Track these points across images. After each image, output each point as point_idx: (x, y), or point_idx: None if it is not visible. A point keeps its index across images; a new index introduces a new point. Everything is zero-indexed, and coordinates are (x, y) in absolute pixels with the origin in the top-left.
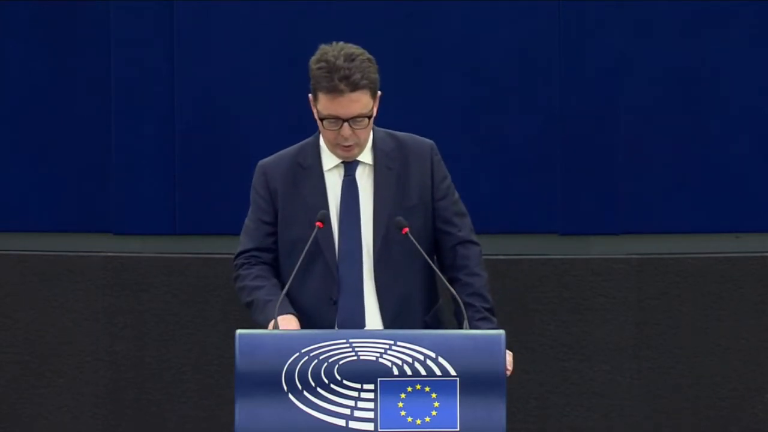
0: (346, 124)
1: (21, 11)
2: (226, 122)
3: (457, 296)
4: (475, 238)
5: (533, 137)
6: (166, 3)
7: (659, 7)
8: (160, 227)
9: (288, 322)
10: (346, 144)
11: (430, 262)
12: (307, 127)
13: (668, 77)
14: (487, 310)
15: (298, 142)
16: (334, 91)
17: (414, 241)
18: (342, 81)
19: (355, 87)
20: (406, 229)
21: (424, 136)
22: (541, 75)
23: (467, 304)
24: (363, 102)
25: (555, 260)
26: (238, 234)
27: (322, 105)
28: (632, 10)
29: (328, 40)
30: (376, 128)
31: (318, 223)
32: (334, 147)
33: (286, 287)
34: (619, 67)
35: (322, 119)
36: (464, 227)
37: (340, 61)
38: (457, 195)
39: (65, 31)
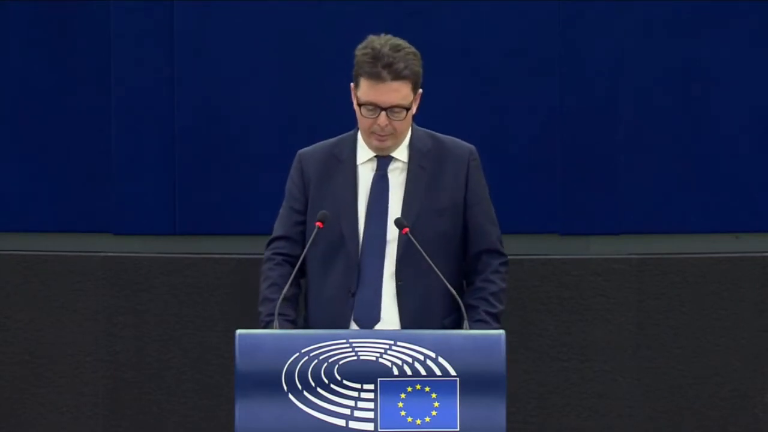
0: (383, 113)
1: (21, 11)
2: (226, 123)
3: (457, 297)
4: (502, 248)
5: (533, 137)
6: (166, 3)
7: (659, 7)
8: (160, 227)
9: None
10: (381, 134)
11: (434, 267)
12: (307, 127)
13: (668, 77)
14: (490, 314)
15: (298, 142)
16: (376, 77)
17: (415, 243)
18: (385, 68)
19: (396, 76)
20: (407, 230)
21: None
22: (541, 75)
23: (471, 306)
24: (403, 92)
25: (555, 260)
26: (237, 234)
27: (363, 91)
28: (632, 10)
29: (327, 41)
30: (417, 127)
31: (318, 223)
32: (369, 136)
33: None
34: (619, 66)
35: (360, 105)
36: (493, 236)
37: (386, 50)
38: (490, 204)
39: (65, 31)
